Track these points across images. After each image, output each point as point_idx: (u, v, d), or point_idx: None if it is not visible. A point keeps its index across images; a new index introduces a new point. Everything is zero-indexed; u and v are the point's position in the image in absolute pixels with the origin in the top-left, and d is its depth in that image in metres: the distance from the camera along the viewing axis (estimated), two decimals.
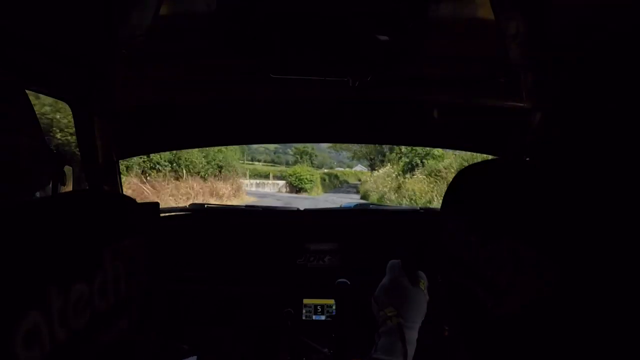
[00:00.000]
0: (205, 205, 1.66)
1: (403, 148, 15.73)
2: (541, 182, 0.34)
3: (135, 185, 10.06)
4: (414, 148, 14.44)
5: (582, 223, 0.28)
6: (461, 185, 0.45)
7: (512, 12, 0.74)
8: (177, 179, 12.05)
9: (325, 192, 22.17)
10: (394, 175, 15.78)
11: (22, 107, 0.43)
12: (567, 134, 0.36)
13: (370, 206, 1.69)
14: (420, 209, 1.62)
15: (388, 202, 13.74)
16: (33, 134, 0.43)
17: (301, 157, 32.76)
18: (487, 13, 0.77)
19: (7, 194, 0.38)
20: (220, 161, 14.23)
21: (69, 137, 6.17)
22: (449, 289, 0.45)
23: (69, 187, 0.72)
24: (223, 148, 13.99)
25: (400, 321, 0.66)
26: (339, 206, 1.80)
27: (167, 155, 11.51)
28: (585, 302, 0.27)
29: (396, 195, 14.12)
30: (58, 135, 6.61)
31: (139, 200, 0.41)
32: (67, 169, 0.66)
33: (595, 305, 0.26)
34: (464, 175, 0.45)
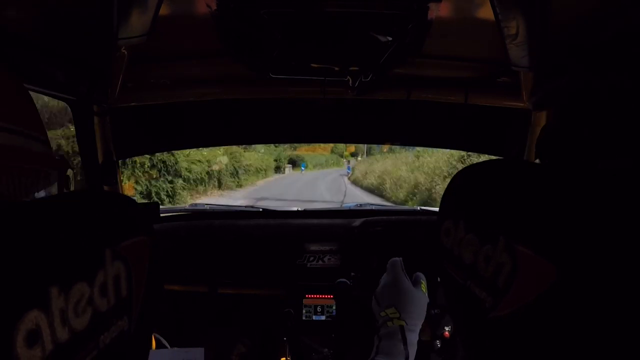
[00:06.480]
0: (206, 206, 1.66)
1: None
2: (541, 182, 0.34)
3: None
4: None
5: (581, 223, 0.28)
6: (460, 186, 0.45)
7: (512, 12, 0.74)
8: None
9: None
10: None
11: (26, 109, 0.42)
12: (566, 134, 0.36)
13: (370, 206, 1.69)
14: (420, 209, 1.63)
15: None
16: (39, 136, 0.42)
17: None
18: (487, 13, 0.77)
19: (13, 197, 0.37)
20: None
21: None
22: (447, 289, 0.45)
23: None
24: None
25: (402, 323, 0.66)
26: (339, 206, 1.80)
27: None
28: (584, 303, 0.27)
29: None
30: None
31: None
32: (69, 173, 0.65)
33: (595, 306, 0.26)
34: (463, 175, 0.45)
